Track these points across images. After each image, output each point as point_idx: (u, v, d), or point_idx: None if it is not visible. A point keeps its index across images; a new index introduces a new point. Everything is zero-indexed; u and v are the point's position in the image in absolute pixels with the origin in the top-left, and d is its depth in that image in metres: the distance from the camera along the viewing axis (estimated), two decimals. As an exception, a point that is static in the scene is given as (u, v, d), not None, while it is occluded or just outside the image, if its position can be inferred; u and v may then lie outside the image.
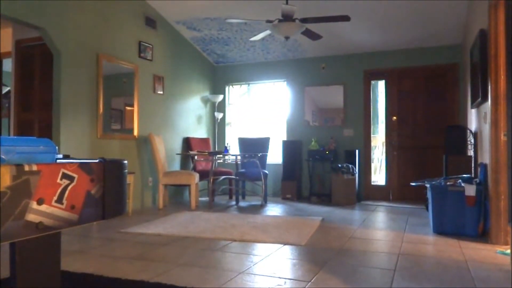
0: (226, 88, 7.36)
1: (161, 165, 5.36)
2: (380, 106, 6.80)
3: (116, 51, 4.98)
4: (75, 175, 1.29)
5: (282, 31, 4.33)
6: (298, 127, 6.76)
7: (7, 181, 1.09)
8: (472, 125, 4.76)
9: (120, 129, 5.11)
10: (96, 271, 2.56)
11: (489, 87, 3.33)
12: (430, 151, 6.00)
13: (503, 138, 3.24)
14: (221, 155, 5.81)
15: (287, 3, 4.30)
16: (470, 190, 3.57)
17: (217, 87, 7.31)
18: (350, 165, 5.85)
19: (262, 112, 7.21)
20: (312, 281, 2.41)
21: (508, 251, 3.01)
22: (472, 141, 4.59)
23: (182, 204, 5.70)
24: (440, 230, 3.74)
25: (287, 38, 4.40)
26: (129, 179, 4.73)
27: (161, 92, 5.80)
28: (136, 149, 5.31)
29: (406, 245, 3.32)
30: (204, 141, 6.73)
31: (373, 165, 6.60)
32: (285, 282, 2.40)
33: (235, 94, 7.44)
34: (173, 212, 4.95)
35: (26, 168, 1.14)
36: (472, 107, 4.61)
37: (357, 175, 5.95)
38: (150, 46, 5.55)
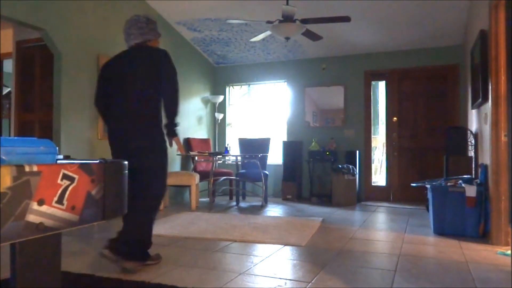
0: (227, 89, 7.36)
1: (162, 165, 5.34)
2: (380, 106, 6.80)
3: (116, 52, 4.94)
4: (76, 176, 1.29)
5: (282, 31, 4.33)
6: (298, 127, 6.76)
7: (7, 182, 1.09)
8: (473, 126, 4.76)
9: (121, 130, 5.10)
10: (97, 272, 2.56)
11: (490, 87, 3.33)
12: (431, 152, 6.00)
13: (503, 139, 3.24)
14: (221, 156, 5.81)
15: (287, 4, 4.31)
16: (471, 191, 3.57)
17: (218, 88, 7.32)
18: (350, 166, 5.85)
19: (263, 112, 7.22)
20: (312, 281, 2.41)
21: (509, 252, 3.01)
22: (473, 142, 4.59)
23: (182, 205, 5.70)
24: (441, 231, 3.73)
25: (287, 38, 4.40)
26: (130, 179, 4.72)
27: (162, 93, 5.79)
28: (137, 149, 5.30)
29: (406, 246, 3.32)
30: (204, 141, 6.73)
31: (373, 166, 6.60)
32: (285, 283, 2.40)
33: (235, 94, 7.44)
34: (173, 212, 4.95)
35: (27, 168, 1.14)
36: (472, 108, 4.61)
37: (357, 175, 5.95)
38: (151, 47, 5.54)
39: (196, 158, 6.04)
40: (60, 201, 1.23)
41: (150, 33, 2.76)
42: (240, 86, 7.40)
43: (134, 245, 2.59)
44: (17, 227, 1.12)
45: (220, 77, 7.34)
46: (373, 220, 4.63)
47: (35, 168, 1.16)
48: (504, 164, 3.23)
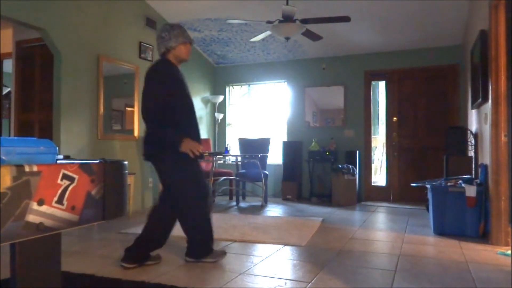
0: (227, 89, 7.36)
1: (162, 165, 5.35)
2: (380, 107, 6.80)
3: (116, 52, 4.98)
4: (76, 176, 1.29)
5: (282, 31, 4.33)
6: (298, 127, 6.76)
7: (7, 182, 1.09)
8: (473, 126, 4.76)
9: (121, 130, 5.11)
10: (97, 272, 2.56)
11: (490, 87, 3.33)
12: (431, 152, 6.00)
13: (503, 139, 3.24)
14: (221, 156, 5.81)
15: (287, 4, 4.31)
16: (471, 191, 3.57)
17: (218, 88, 7.31)
18: (350, 166, 5.85)
19: (263, 113, 7.22)
20: (312, 281, 2.41)
21: (509, 252, 3.01)
22: (473, 142, 4.59)
23: (182, 205, 5.69)
24: (441, 231, 3.73)
25: (287, 38, 4.40)
26: (130, 180, 4.73)
27: (162, 93, 5.79)
28: (137, 150, 5.31)
29: (406, 246, 3.32)
30: (204, 141, 6.72)
31: (373, 166, 6.60)
32: (285, 283, 2.40)
33: (235, 94, 7.44)
34: (173, 212, 4.94)
35: (27, 168, 1.14)
36: (472, 108, 4.61)
37: (357, 175, 5.95)
38: (151, 47, 5.55)
39: (196, 158, 6.03)
40: (60, 201, 1.23)
41: (169, 41, 2.73)
42: (240, 86, 7.39)
43: (193, 243, 2.82)
44: (17, 227, 1.12)
45: (220, 77, 7.34)
46: (373, 220, 4.63)
47: (35, 168, 1.16)
48: (504, 164, 3.23)
